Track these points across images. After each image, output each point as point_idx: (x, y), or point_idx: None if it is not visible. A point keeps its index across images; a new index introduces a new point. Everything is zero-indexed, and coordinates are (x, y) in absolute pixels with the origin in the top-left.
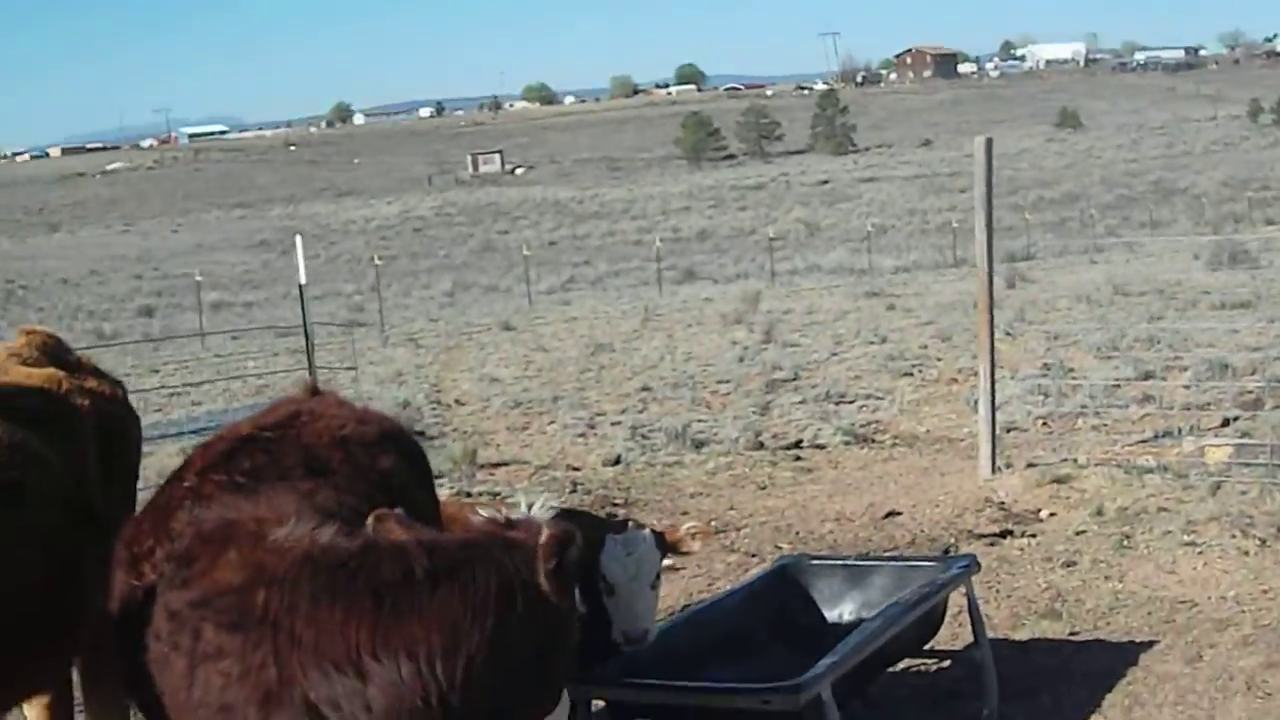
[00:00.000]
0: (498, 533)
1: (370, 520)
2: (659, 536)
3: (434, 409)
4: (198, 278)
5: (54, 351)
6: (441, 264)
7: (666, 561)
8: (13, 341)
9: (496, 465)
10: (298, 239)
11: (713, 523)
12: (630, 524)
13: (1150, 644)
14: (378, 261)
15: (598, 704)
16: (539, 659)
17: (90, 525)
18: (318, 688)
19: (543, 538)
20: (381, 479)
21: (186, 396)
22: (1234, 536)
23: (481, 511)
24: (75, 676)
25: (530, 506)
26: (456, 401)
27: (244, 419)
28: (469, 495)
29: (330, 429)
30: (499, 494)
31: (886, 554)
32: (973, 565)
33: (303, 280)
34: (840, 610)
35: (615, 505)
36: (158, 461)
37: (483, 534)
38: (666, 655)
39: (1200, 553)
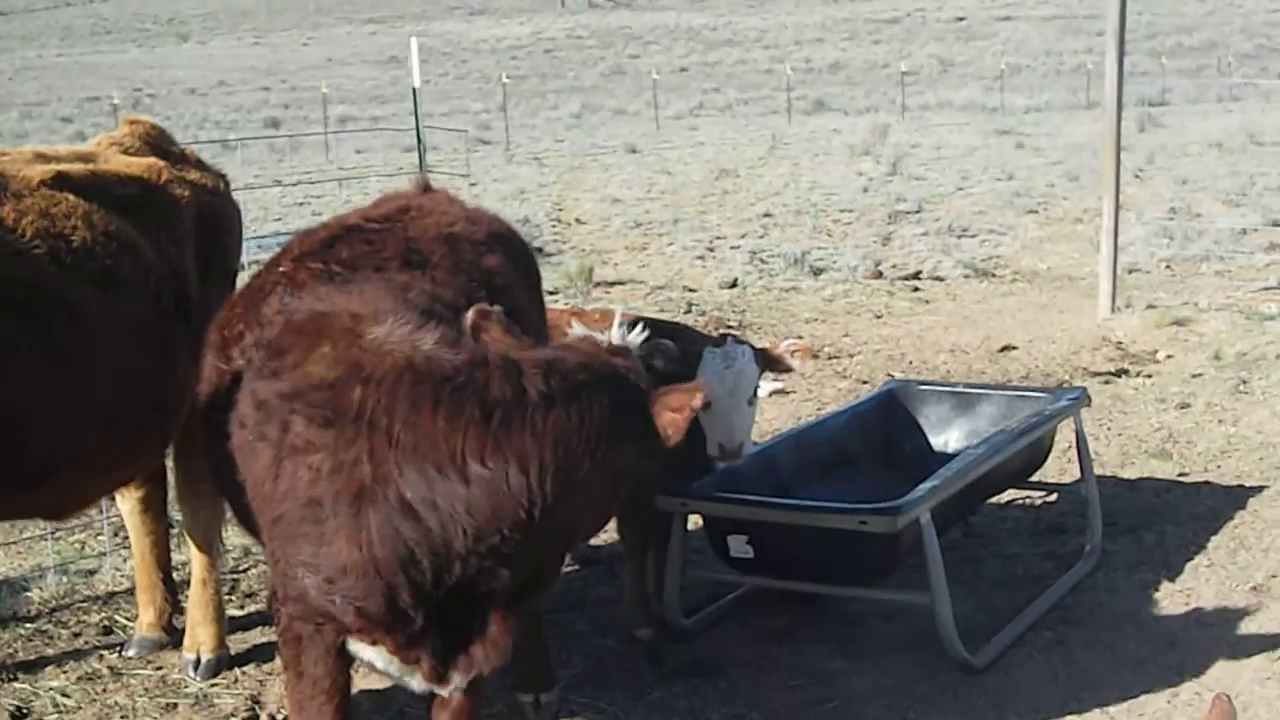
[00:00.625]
0: (604, 357)
1: (470, 316)
2: (758, 352)
3: (553, 226)
4: (324, 90)
5: (156, 142)
6: (570, 86)
7: (776, 384)
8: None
9: (613, 284)
10: (412, 41)
11: (825, 348)
12: (729, 339)
13: (1260, 489)
14: (506, 80)
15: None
16: (628, 479)
17: (185, 316)
18: (415, 487)
19: (694, 396)
20: (484, 277)
21: (308, 206)
22: None
23: (577, 326)
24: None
25: (628, 329)
26: (577, 220)
27: (352, 210)
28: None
29: (437, 225)
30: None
31: (995, 383)
32: (1082, 398)
33: (416, 84)
34: (946, 437)
35: (730, 328)
36: None
37: (592, 355)
38: (766, 473)
39: None
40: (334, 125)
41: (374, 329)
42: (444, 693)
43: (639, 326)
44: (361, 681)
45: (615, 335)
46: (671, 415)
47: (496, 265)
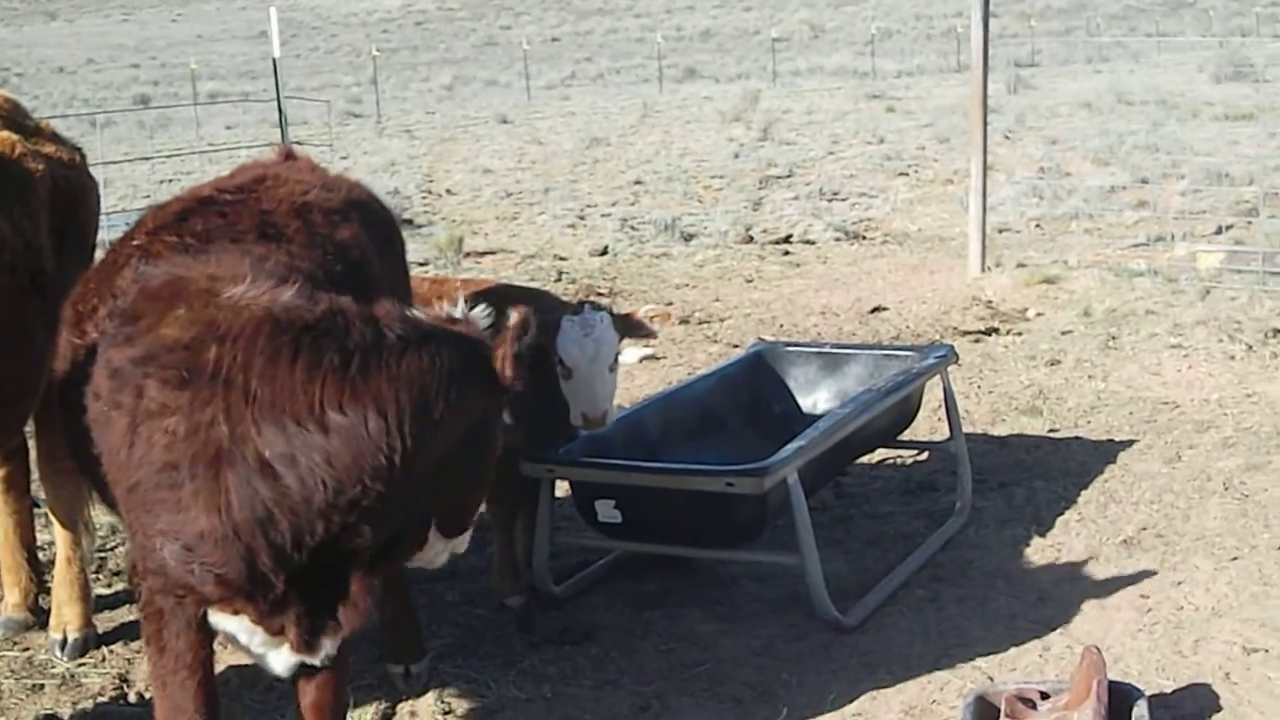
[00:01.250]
0: (444, 323)
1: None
2: (616, 318)
3: (424, 198)
4: (193, 66)
5: (10, 115)
6: (442, 58)
7: (646, 350)
8: None
9: (483, 254)
10: (271, 10)
11: (696, 313)
12: (586, 305)
13: (1130, 443)
14: (376, 53)
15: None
16: (484, 438)
17: (40, 291)
18: (273, 444)
19: (510, 320)
20: (339, 247)
21: (177, 183)
22: (1221, 341)
23: (419, 310)
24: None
25: (468, 306)
26: (447, 191)
27: (207, 181)
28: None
29: (292, 194)
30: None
31: (862, 343)
32: (950, 355)
33: (276, 54)
34: (814, 398)
35: (600, 295)
36: None
37: (436, 318)
38: (634, 438)
39: (1185, 355)
40: (203, 101)
41: (231, 288)
42: (314, 661)
43: (482, 304)
44: (229, 657)
45: (458, 310)
46: (500, 352)
47: (352, 235)
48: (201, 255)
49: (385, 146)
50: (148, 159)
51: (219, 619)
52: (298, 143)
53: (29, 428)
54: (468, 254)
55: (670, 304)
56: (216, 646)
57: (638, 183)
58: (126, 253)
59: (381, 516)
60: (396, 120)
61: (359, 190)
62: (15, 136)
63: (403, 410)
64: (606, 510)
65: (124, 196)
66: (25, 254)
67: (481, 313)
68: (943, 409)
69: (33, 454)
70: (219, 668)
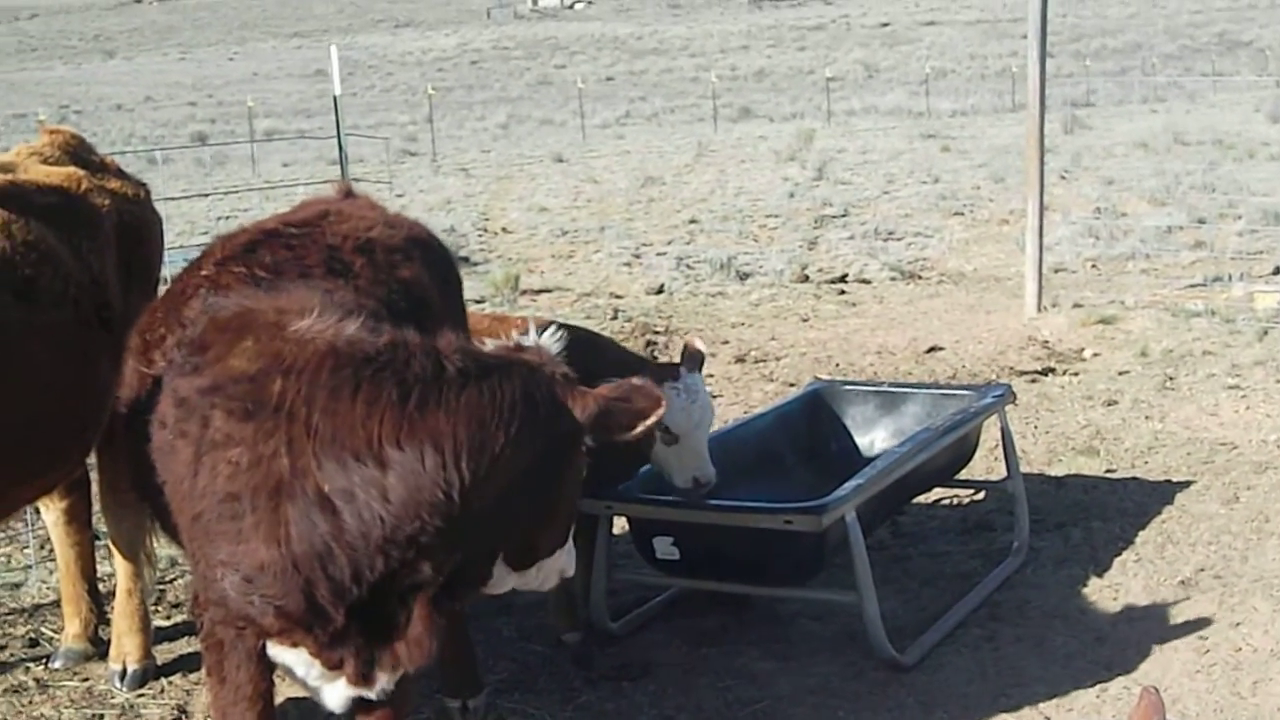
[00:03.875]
0: (513, 353)
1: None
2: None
3: (480, 235)
4: (249, 103)
5: (76, 151)
6: (497, 97)
7: None
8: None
9: (539, 291)
10: (332, 49)
11: (752, 351)
12: (681, 370)
13: (1187, 484)
14: (432, 92)
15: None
16: (556, 469)
17: (107, 326)
18: (333, 479)
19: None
20: (403, 285)
21: (234, 219)
22: (1278, 381)
23: (488, 341)
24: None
25: (540, 332)
26: (503, 229)
27: (270, 216)
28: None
29: (355, 231)
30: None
31: (920, 382)
32: (1007, 394)
33: (337, 91)
34: (871, 436)
35: (656, 333)
36: None
37: (504, 349)
38: None
39: (1243, 396)
40: (260, 138)
41: (298, 321)
42: (371, 695)
43: (553, 328)
44: (288, 690)
45: (527, 338)
46: (638, 420)
47: (414, 272)
48: (270, 288)
49: (441, 184)
50: (205, 195)
51: (278, 651)
52: (356, 180)
53: (90, 459)
54: (524, 292)
55: (727, 342)
56: (275, 678)
57: (693, 221)
58: (195, 283)
59: (442, 552)
60: (452, 158)
61: (419, 228)
62: (81, 172)
63: (460, 446)
64: (664, 547)
65: (182, 233)
66: (91, 289)
67: (552, 337)
68: (999, 448)
69: (94, 486)
70: (277, 700)
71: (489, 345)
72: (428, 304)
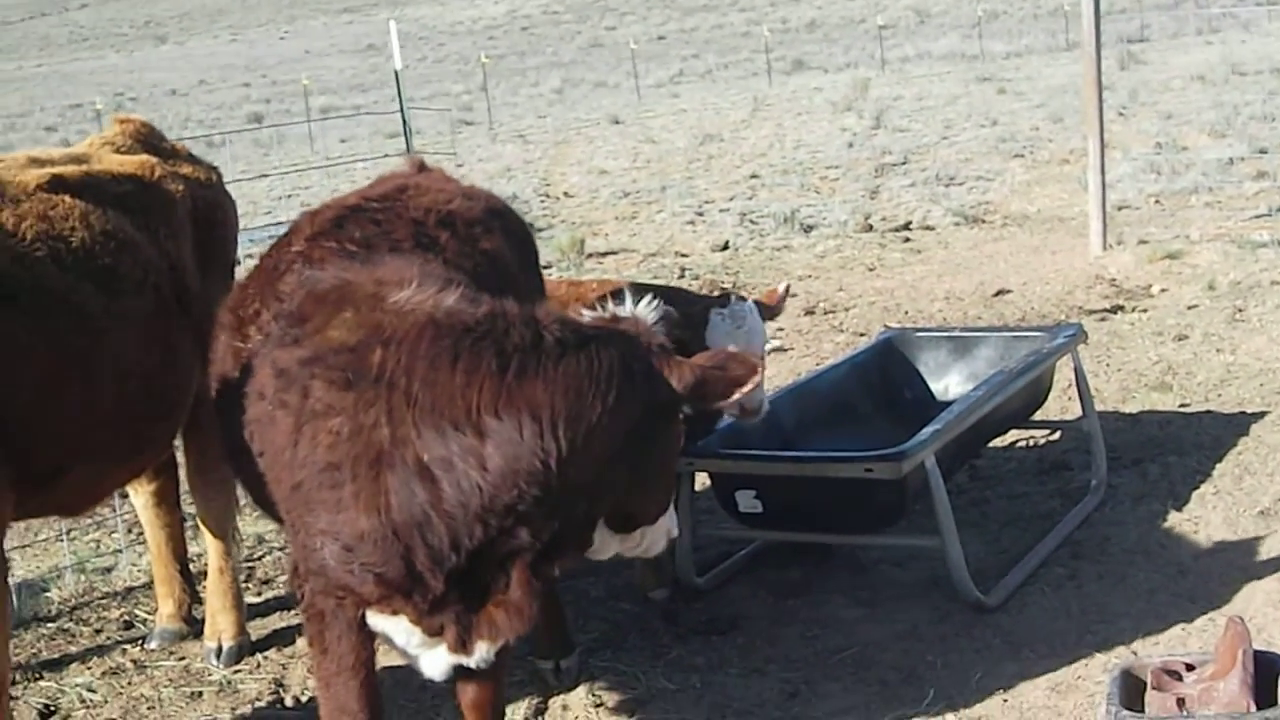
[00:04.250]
0: (610, 324)
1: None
2: (761, 305)
3: (542, 201)
4: (305, 82)
5: (147, 139)
6: (549, 61)
7: (774, 342)
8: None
9: (605, 254)
10: (391, 24)
11: (820, 303)
12: (733, 297)
13: (1262, 415)
14: (485, 60)
15: (702, 479)
16: (653, 436)
17: (186, 310)
18: (432, 447)
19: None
20: (487, 257)
21: (296, 197)
22: None
23: (585, 312)
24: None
25: (636, 303)
26: (565, 194)
27: (349, 191)
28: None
29: (436, 204)
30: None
31: (991, 325)
32: (1079, 334)
33: (398, 66)
34: (945, 382)
35: (724, 290)
36: None
37: (601, 320)
38: (770, 428)
39: None
40: (316, 116)
41: (397, 293)
42: (470, 663)
43: (649, 297)
44: (384, 658)
45: (624, 308)
46: (734, 388)
47: (495, 244)
48: (366, 260)
49: (500, 152)
50: (265, 176)
51: (378, 619)
52: (419, 154)
53: (176, 442)
54: (589, 255)
55: (795, 295)
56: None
57: (754, 176)
58: (287, 259)
59: (540, 520)
60: (509, 126)
61: (495, 200)
62: (154, 159)
63: (557, 415)
64: (747, 501)
65: (244, 213)
66: (170, 274)
67: (648, 308)
68: (1072, 388)
69: (182, 468)
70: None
71: (586, 316)
72: (510, 274)
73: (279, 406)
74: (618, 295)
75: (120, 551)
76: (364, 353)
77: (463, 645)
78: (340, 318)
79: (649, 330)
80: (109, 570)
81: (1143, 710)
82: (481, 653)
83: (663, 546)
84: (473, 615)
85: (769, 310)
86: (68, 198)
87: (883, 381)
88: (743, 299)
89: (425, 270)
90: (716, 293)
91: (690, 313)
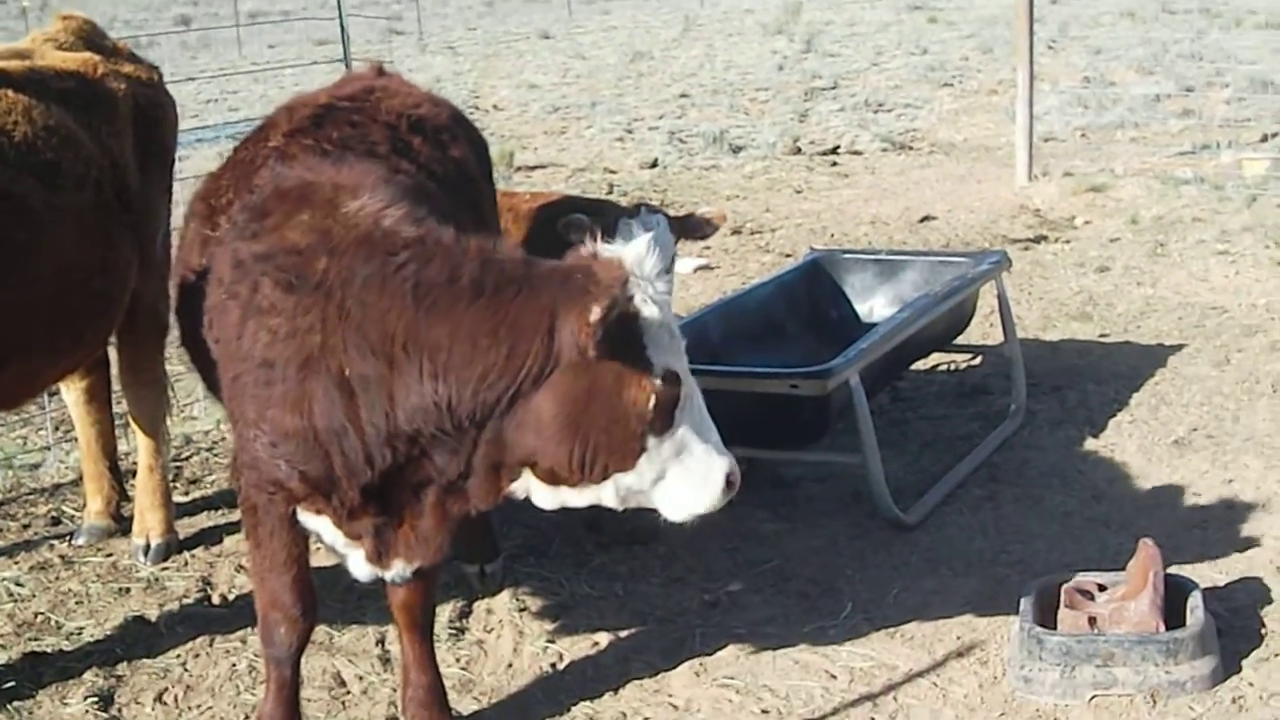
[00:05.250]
0: (573, 268)
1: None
2: (673, 220)
3: (471, 114)
4: None
5: (90, 37)
6: None
7: (700, 260)
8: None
9: (533, 168)
10: None
11: (747, 223)
12: (643, 208)
13: (1179, 347)
14: None
15: None
16: (556, 401)
17: (126, 206)
18: (354, 363)
19: (592, 314)
20: (457, 165)
21: (224, 102)
22: (1267, 247)
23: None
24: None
25: (642, 228)
26: (494, 106)
27: (316, 90)
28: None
29: (404, 108)
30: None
31: (917, 250)
32: (1003, 261)
33: None
34: (870, 304)
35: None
36: (194, 165)
37: (557, 267)
38: (697, 343)
39: (1232, 261)
40: (244, 20)
41: (351, 201)
42: (387, 576)
43: (657, 227)
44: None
45: (613, 246)
46: (586, 318)
47: (463, 152)
48: (337, 161)
49: (430, 63)
50: (193, 79)
51: (306, 517)
52: (354, 61)
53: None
54: (518, 168)
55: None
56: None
57: (683, 96)
58: (263, 153)
59: (444, 455)
60: (439, 37)
61: (454, 107)
62: (96, 57)
63: (450, 360)
64: None
65: None
66: (111, 171)
67: (647, 251)
68: (994, 314)
69: (113, 366)
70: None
71: (569, 256)
72: (476, 182)
73: (231, 296)
74: (590, 215)
75: (48, 449)
76: (310, 257)
77: (379, 558)
78: (298, 218)
79: (620, 278)
80: (36, 467)
81: (1055, 627)
82: (397, 569)
83: (634, 506)
84: (391, 532)
85: (687, 226)
86: (10, 92)
87: (809, 301)
88: (654, 210)
89: (381, 178)
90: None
91: (604, 222)
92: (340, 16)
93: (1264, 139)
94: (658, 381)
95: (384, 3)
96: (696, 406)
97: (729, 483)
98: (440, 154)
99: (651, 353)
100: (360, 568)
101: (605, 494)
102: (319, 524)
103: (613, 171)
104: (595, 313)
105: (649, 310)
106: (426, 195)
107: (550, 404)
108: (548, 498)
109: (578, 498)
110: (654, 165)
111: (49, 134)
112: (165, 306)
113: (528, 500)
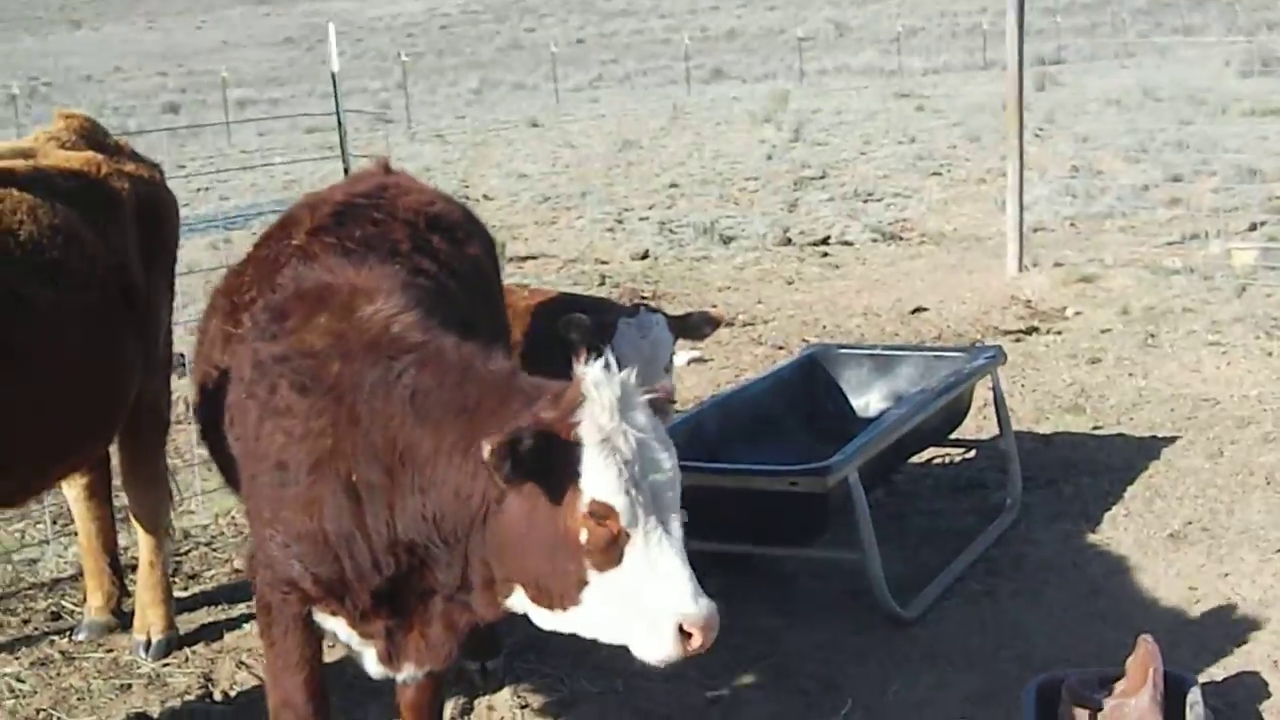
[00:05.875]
0: (542, 388)
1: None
2: (671, 319)
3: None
4: (224, 74)
5: (92, 135)
6: (468, 61)
7: (694, 353)
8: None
9: (524, 259)
10: (330, 26)
11: (739, 315)
12: (642, 308)
13: (1172, 439)
14: (404, 58)
15: None
16: (513, 523)
17: (131, 305)
18: (361, 468)
19: (486, 450)
20: (472, 264)
21: (214, 191)
22: (1258, 337)
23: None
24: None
25: (600, 364)
26: (484, 196)
27: (330, 186)
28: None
29: (419, 205)
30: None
31: (913, 344)
32: (999, 356)
33: (335, 68)
34: (866, 399)
35: (643, 298)
36: (187, 254)
37: (535, 385)
38: (695, 439)
39: (1224, 352)
40: (233, 108)
41: (366, 306)
42: (398, 678)
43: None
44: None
45: (591, 375)
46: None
47: (477, 250)
48: (360, 262)
49: (419, 152)
50: (183, 168)
51: (322, 617)
52: (352, 154)
53: None
54: (510, 259)
55: (715, 306)
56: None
57: (673, 185)
58: (287, 251)
59: (444, 566)
60: (427, 125)
61: (464, 205)
62: (100, 156)
63: (434, 475)
64: None
65: None
66: (116, 269)
67: (609, 382)
68: (988, 407)
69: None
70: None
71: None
72: (490, 280)
73: (250, 396)
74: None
75: (47, 543)
76: (325, 361)
77: (390, 660)
78: (315, 321)
79: (572, 405)
80: (35, 561)
81: None
82: (409, 671)
83: (604, 638)
84: (402, 636)
85: (684, 326)
86: (15, 191)
87: (805, 396)
88: (652, 310)
89: (401, 282)
90: (634, 301)
91: (603, 321)
92: (337, 111)
93: (1252, 228)
94: (589, 515)
95: (371, 90)
96: (659, 544)
97: (687, 633)
98: (458, 252)
99: (587, 484)
100: (373, 667)
101: (578, 625)
102: (335, 624)
103: (604, 262)
104: (485, 449)
105: (592, 439)
106: (446, 296)
107: (506, 525)
108: (542, 618)
109: (562, 623)
110: (645, 256)
111: (54, 233)
112: (167, 403)
113: None
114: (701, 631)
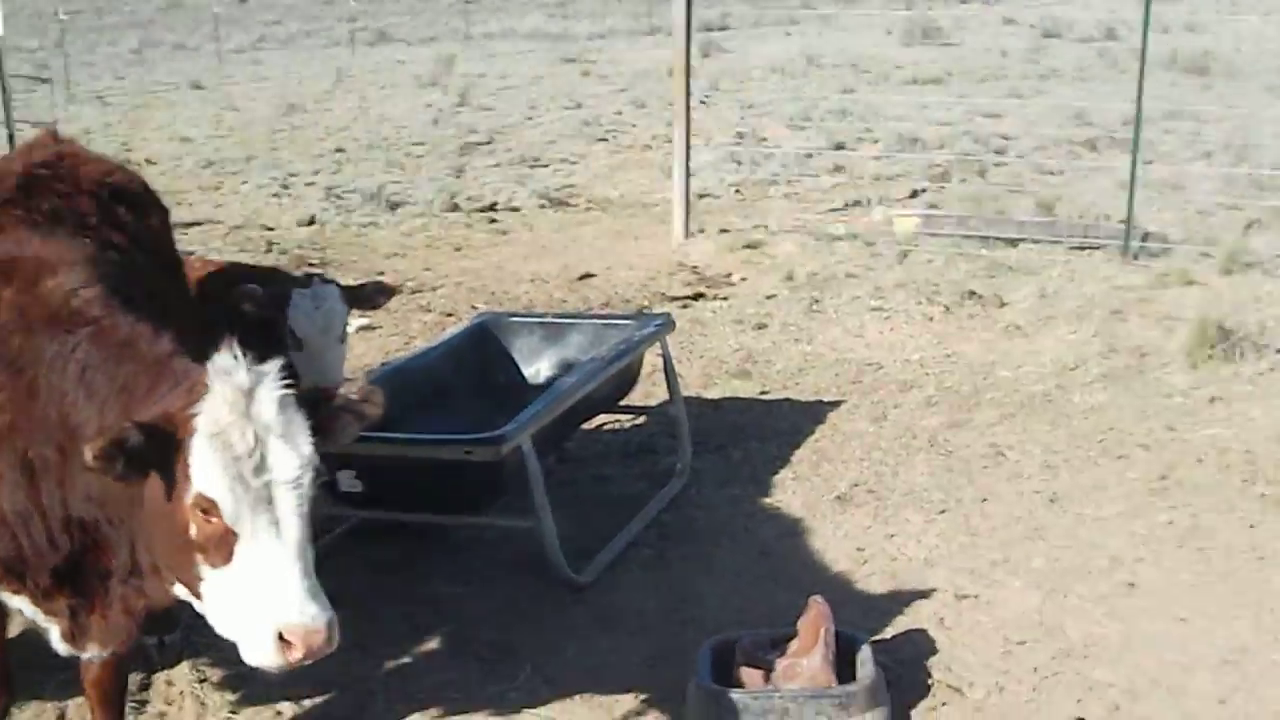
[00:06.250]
0: (182, 373)
1: None
2: (345, 290)
3: None
4: None
5: None
6: (127, 20)
7: (363, 320)
8: None
9: (190, 225)
10: None
11: (408, 282)
12: (316, 279)
13: (838, 404)
14: (62, 17)
15: None
16: (146, 509)
17: None
18: (37, 445)
19: (88, 455)
20: (153, 233)
21: None
22: (919, 303)
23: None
24: None
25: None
26: (147, 160)
27: (4, 157)
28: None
29: (99, 175)
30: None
31: (583, 312)
32: (668, 324)
33: (0, 32)
34: (538, 367)
35: (311, 265)
36: None
37: (184, 369)
38: None
39: (887, 318)
40: None
41: (50, 279)
42: (83, 657)
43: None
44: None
45: (222, 360)
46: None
47: (157, 220)
48: (46, 236)
49: (79, 114)
50: None
51: (6, 596)
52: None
53: None
54: (175, 225)
55: (382, 274)
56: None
57: (339, 150)
58: None
59: (115, 546)
60: (86, 86)
61: (139, 175)
62: None
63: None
64: (347, 480)
65: None
66: None
67: (238, 370)
68: (656, 373)
69: None
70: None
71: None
72: (170, 248)
73: None
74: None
75: None
76: (4, 335)
77: (74, 639)
78: (1, 295)
79: (196, 395)
80: None
81: (731, 684)
82: (93, 650)
83: (229, 632)
84: (84, 616)
85: (366, 299)
86: None
87: (477, 364)
88: (326, 281)
89: (86, 256)
90: (301, 270)
91: (277, 293)
92: (2, 78)
93: (913, 194)
94: (195, 509)
95: (29, 49)
96: (267, 546)
97: (288, 642)
98: (141, 224)
99: (194, 476)
100: (59, 645)
101: (212, 620)
102: (19, 602)
103: (270, 229)
104: (87, 453)
105: (204, 432)
106: (135, 271)
107: (146, 513)
108: (200, 607)
109: (206, 614)
110: (311, 223)
111: None
112: None
113: None
114: (303, 642)
